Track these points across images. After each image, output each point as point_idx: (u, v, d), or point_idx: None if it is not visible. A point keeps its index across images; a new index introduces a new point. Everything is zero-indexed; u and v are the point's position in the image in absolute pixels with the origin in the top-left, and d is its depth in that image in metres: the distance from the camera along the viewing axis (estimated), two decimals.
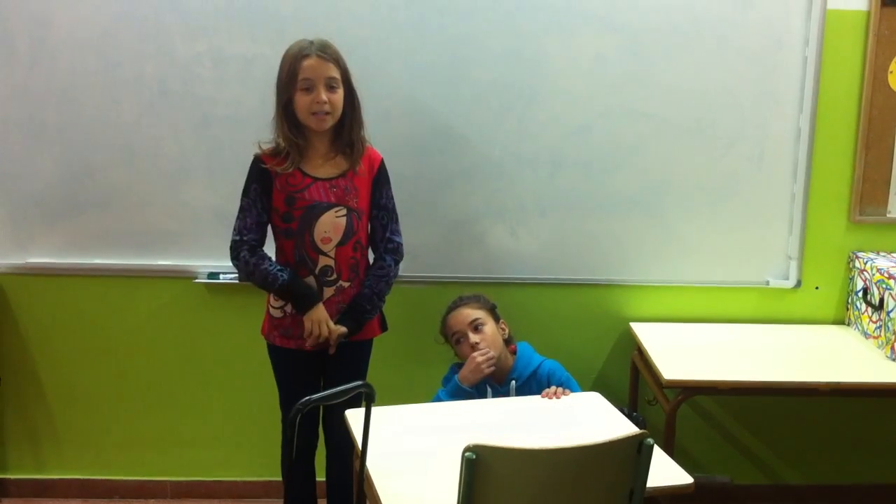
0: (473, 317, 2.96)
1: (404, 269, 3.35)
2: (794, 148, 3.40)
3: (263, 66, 3.25)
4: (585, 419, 2.63)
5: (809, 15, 3.30)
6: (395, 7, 3.27)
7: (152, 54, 3.28)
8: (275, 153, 2.80)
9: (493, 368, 2.88)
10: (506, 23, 3.29)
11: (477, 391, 2.91)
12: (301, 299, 2.79)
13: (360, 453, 2.18)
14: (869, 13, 3.32)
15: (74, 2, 3.24)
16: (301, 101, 2.73)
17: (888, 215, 3.45)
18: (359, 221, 2.85)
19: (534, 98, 3.34)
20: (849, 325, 3.50)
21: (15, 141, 3.33)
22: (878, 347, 3.24)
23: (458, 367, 2.96)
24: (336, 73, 2.75)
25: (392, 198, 2.96)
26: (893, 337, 3.13)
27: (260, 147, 2.83)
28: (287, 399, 2.92)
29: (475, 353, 2.89)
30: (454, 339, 2.99)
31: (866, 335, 3.34)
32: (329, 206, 2.80)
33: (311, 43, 2.75)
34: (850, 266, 3.48)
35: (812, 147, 3.38)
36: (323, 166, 2.82)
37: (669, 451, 2.81)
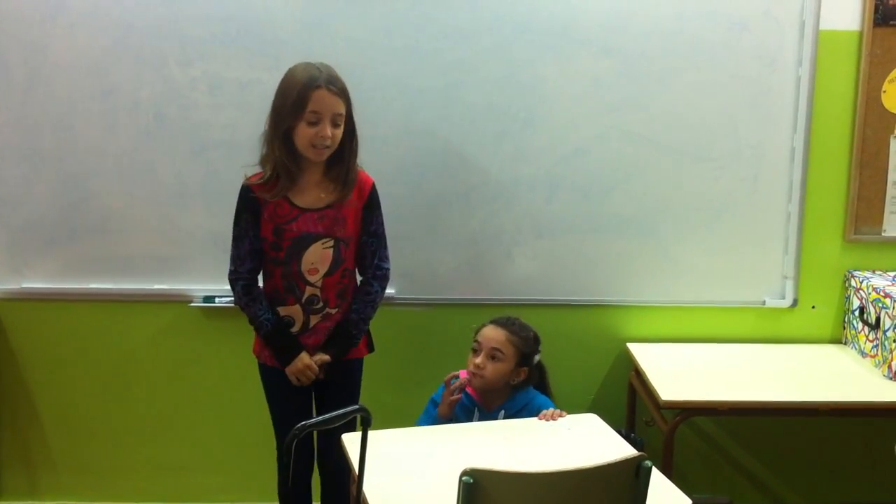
0: (499, 345, 2.86)
1: (400, 290, 3.38)
2: (789, 168, 3.41)
3: (259, 90, 3.26)
4: (583, 441, 2.62)
5: (802, 36, 3.32)
6: (391, 32, 3.29)
7: (148, 80, 3.29)
8: (264, 181, 2.74)
9: (459, 396, 2.85)
10: (502, 47, 3.30)
11: (465, 417, 2.89)
12: (282, 352, 2.79)
13: (356, 478, 2.17)
14: (861, 33, 3.34)
15: (70, 29, 3.25)
16: (304, 132, 2.66)
17: (883, 234, 3.45)
18: (346, 249, 2.83)
19: (530, 121, 3.35)
20: (845, 343, 3.50)
21: (11, 166, 3.33)
22: (875, 366, 3.24)
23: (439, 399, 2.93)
24: (343, 109, 2.69)
25: (382, 223, 2.93)
26: (890, 356, 3.13)
27: (247, 175, 2.79)
28: (280, 420, 2.91)
29: (451, 387, 2.85)
30: (474, 344, 2.91)
31: (863, 354, 3.34)
32: (317, 238, 2.77)
33: (320, 71, 2.67)
34: (846, 285, 3.48)
35: (807, 167, 3.39)
36: (312, 195, 2.78)
37: (668, 472, 2.80)
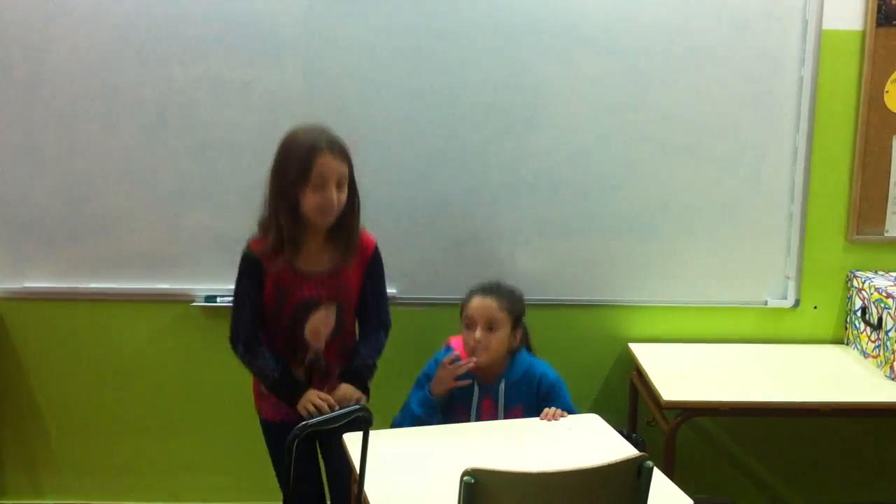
0: (493, 316, 2.82)
1: (402, 290, 3.38)
2: (791, 168, 3.40)
3: (261, 90, 3.28)
4: (584, 441, 2.62)
5: (805, 36, 3.32)
6: (393, 32, 3.28)
7: (150, 79, 3.29)
8: (269, 248, 2.65)
9: (466, 382, 2.83)
10: (504, 47, 3.30)
11: (463, 392, 2.86)
12: (291, 395, 2.71)
13: (357, 478, 2.17)
14: (864, 33, 3.34)
15: (72, 28, 3.25)
16: (311, 198, 2.58)
17: (886, 234, 3.45)
18: (349, 312, 2.80)
19: (532, 121, 3.35)
20: (847, 344, 3.49)
21: (13, 166, 3.34)
22: (878, 367, 3.23)
23: (434, 369, 2.89)
24: (346, 171, 2.63)
25: (384, 282, 2.87)
26: (892, 356, 3.13)
27: (250, 242, 2.71)
28: (289, 484, 2.58)
29: (448, 364, 2.82)
30: (465, 320, 2.88)
31: (865, 354, 3.34)
32: (320, 303, 2.72)
33: (320, 134, 2.61)
34: (849, 285, 3.48)
35: (809, 167, 3.39)
36: (316, 260, 2.71)
37: (669, 472, 2.80)
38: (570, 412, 2.83)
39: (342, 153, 2.62)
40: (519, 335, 2.91)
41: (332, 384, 2.77)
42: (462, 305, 2.92)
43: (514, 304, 2.89)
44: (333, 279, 2.73)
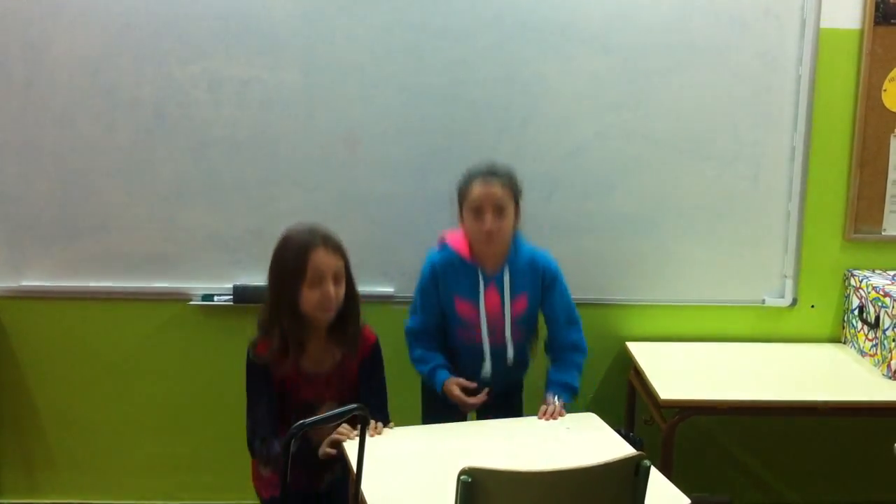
0: (501, 202, 2.75)
1: (399, 289, 3.38)
2: (789, 167, 3.40)
3: (259, 88, 3.28)
4: (582, 440, 2.62)
5: (803, 34, 3.32)
6: (391, 30, 3.28)
7: (148, 77, 3.29)
8: (273, 351, 2.62)
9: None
10: (502, 45, 3.30)
11: (467, 282, 2.86)
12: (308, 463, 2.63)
13: (354, 477, 2.17)
14: (862, 31, 3.34)
15: (70, 26, 3.25)
16: (310, 296, 2.56)
17: (883, 233, 3.45)
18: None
19: (530, 119, 3.35)
20: (845, 343, 3.50)
21: (11, 164, 3.33)
22: (875, 365, 3.23)
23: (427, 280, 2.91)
24: (342, 266, 2.62)
25: (384, 379, 2.81)
26: (890, 355, 3.13)
27: (254, 346, 2.67)
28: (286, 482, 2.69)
29: (462, 397, 2.84)
30: (471, 207, 2.78)
31: (862, 353, 3.34)
32: (323, 402, 2.65)
33: (313, 232, 2.60)
34: (846, 284, 3.48)
35: (807, 166, 3.39)
36: (320, 358, 2.68)
37: (667, 471, 2.80)
38: (570, 305, 2.93)
39: (336, 248, 2.61)
40: (518, 213, 2.86)
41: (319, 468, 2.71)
42: (462, 192, 2.84)
43: (514, 185, 2.84)
44: (337, 378, 2.70)
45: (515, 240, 2.89)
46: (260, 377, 2.65)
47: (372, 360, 2.76)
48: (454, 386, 2.87)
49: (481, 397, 2.87)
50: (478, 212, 2.77)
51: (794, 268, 3.45)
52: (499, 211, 2.76)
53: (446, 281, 2.91)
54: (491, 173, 2.80)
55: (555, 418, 2.75)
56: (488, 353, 2.91)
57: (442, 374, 2.91)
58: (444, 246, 2.93)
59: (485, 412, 2.94)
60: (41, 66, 3.28)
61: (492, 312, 2.88)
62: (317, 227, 2.62)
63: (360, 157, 3.35)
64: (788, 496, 3.67)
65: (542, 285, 2.91)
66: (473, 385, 2.88)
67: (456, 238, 2.90)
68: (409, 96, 3.32)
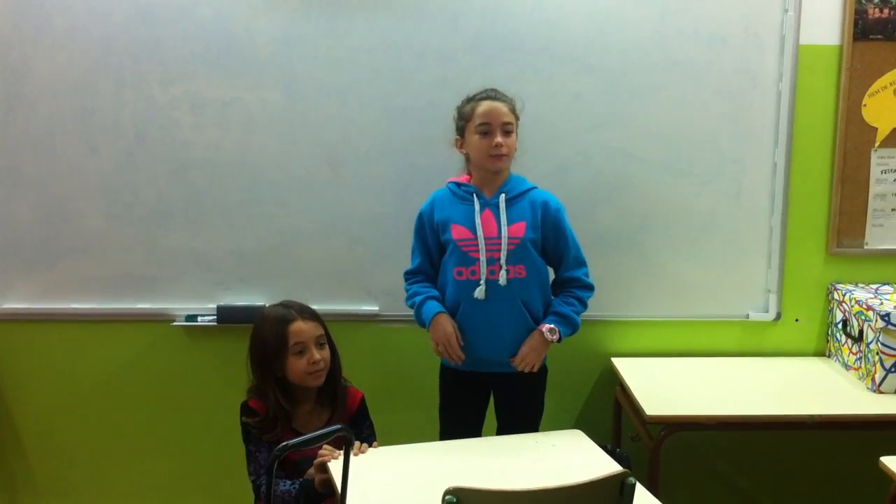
0: (507, 119, 2.83)
1: (384, 308, 3.37)
2: (771, 182, 3.42)
3: (241, 109, 3.28)
4: (567, 458, 2.61)
5: (783, 51, 3.34)
6: (372, 51, 3.29)
7: (129, 100, 3.29)
8: (264, 422, 2.67)
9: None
10: (484, 65, 3.31)
11: (463, 208, 2.89)
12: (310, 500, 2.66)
13: (339, 498, 2.16)
14: (841, 47, 3.36)
15: (51, 49, 3.25)
16: (296, 365, 2.65)
17: (865, 247, 3.47)
18: None
19: None
20: (829, 356, 3.51)
21: None
22: (859, 379, 3.24)
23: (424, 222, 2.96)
24: (322, 331, 2.71)
25: (372, 424, 2.85)
26: (874, 368, 3.14)
27: (247, 406, 2.71)
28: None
29: (440, 344, 2.85)
30: (478, 127, 2.83)
31: (847, 367, 3.35)
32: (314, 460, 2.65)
33: (288, 306, 2.71)
34: (830, 298, 3.49)
35: (788, 181, 3.41)
36: (310, 420, 2.73)
37: (654, 489, 2.79)
38: (577, 245, 2.96)
39: (313, 316, 2.71)
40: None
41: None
42: (465, 113, 2.90)
43: (516, 105, 2.91)
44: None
45: (515, 175, 2.94)
46: (254, 439, 2.70)
47: (360, 414, 2.82)
48: (448, 324, 2.86)
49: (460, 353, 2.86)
50: (486, 128, 2.82)
51: (778, 282, 3.47)
52: (506, 130, 2.83)
53: (443, 211, 2.93)
54: (496, 95, 2.88)
55: (533, 370, 2.81)
56: (484, 267, 2.86)
57: (433, 304, 2.90)
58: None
59: (506, 391, 2.95)
60: (22, 89, 3.28)
61: (489, 234, 2.87)
62: (290, 302, 2.74)
63: (342, 177, 3.35)
64: None
65: (542, 219, 2.90)
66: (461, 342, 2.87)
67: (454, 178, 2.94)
68: (391, 117, 3.33)
